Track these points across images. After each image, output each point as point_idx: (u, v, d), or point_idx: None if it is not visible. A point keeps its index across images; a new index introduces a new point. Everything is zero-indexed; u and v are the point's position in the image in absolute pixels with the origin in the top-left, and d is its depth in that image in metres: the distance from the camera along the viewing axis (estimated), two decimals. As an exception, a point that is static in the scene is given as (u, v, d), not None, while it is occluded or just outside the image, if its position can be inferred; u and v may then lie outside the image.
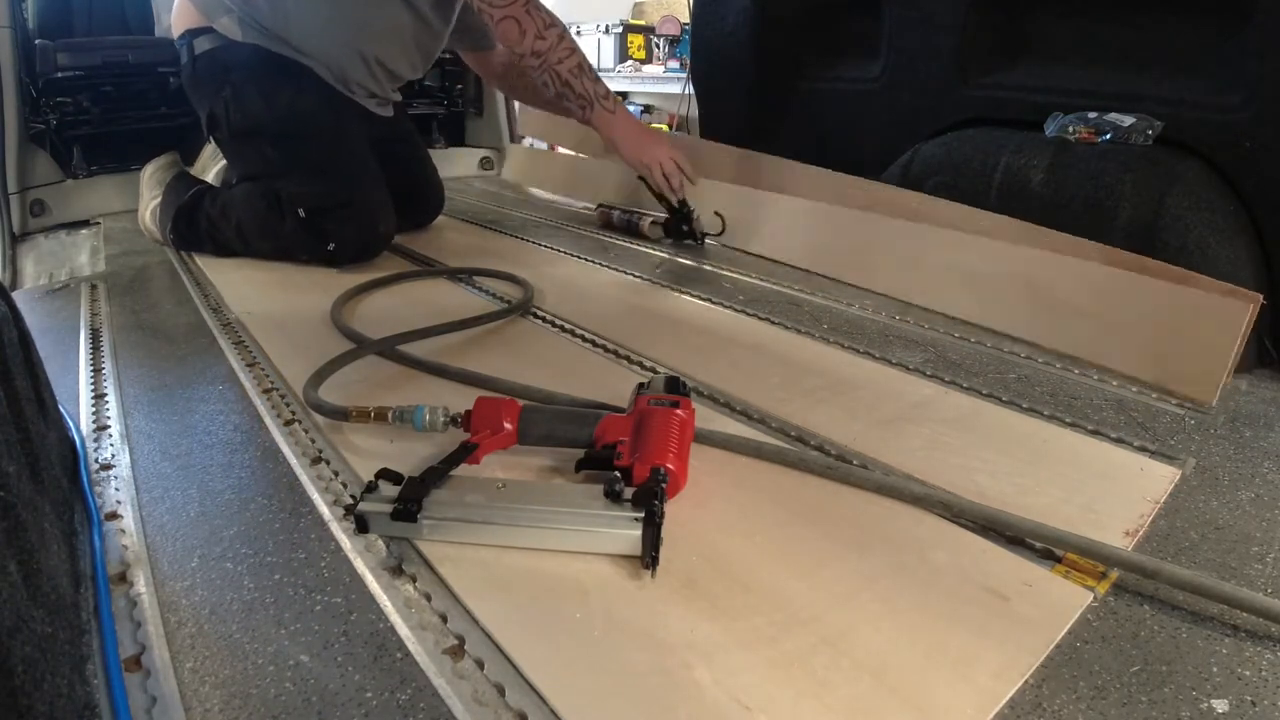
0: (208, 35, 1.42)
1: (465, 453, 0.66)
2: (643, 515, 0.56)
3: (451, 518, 0.59)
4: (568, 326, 1.10)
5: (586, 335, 1.07)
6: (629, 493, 0.59)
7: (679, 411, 0.69)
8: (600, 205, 1.85)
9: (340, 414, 0.75)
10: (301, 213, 1.36)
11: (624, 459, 0.64)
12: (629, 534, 0.56)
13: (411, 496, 0.59)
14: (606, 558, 0.58)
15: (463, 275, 1.36)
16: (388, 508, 0.59)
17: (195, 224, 1.48)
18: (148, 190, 1.59)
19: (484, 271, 1.35)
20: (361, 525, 0.60)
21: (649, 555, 0.56)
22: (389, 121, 1.65)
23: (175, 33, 1.47)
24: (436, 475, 0.61)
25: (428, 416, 0.72)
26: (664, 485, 0.60)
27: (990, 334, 1.10)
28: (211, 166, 1.74)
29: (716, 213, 1.59)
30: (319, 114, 1.43)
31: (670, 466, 0.63)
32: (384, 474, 0.62)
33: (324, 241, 1.38)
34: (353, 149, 1.46)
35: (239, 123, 1.41)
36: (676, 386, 0.73)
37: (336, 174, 1.40)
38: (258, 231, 1.43)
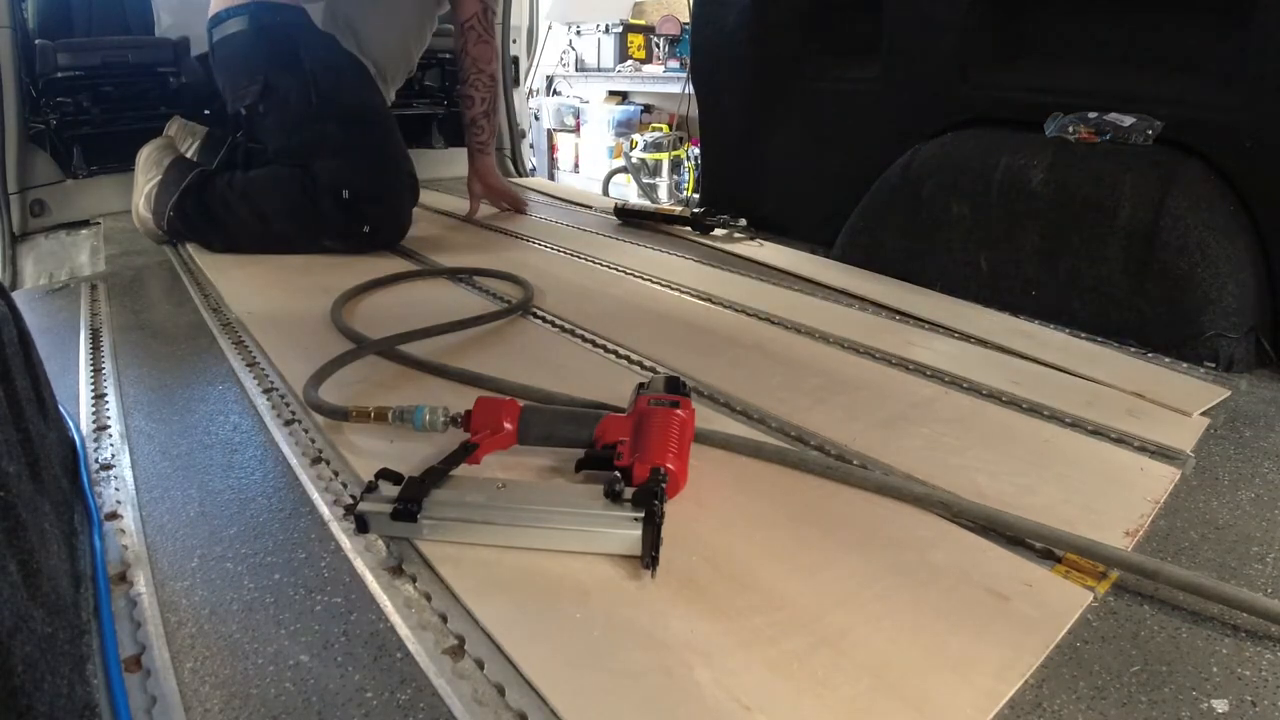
0: (271, 9, 1.49)
1: (465, 453, 0.66)
2: (643, 515, 0.56)
3: (451, 518, 0.59)
4: (567, 326, 1.10)
5: (586, 335, 1.07)
6: (629, 493, 0.59)
7: (679, 411, 0.69)
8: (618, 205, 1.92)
9: (340, 414, 0.75)
10: (346, 194, 1.44)
11: (624, 459, 0.64)
12: (629, 534, 0.56)
13: (411, 497, 0.59)
14: (606, 558, 0.58)
15: (463, 275, 1.36)
16: (388, 508, 0.59)
17: (204, 203, 1.48)
18: (143, 173, 1.57)
19: (484, 271, 1.35)
20: (361, 525, 0.60)
21: (649, 555, 0.56)
22: None
23: (222, 3, 1.52)
24: (436, 475, 0.61)
25: (427, 416, 0.72)
26: (664, 485, 0.60)
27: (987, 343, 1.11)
28: (181, 145, 1.72)
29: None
30: (380, 106, 1.60)
31: (670, 466, 0.63)
32: (384, 474, 0.62)
33: (361, 223, 1.47)
34: (399, 142, 1.60)
35: (317, 96, 1.47)
36: (677, 386, 0.73)
37: (388, 162, 1.53)
38: (286, 213, 1.46)
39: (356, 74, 1.57)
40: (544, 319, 1.14)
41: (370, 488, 0.61)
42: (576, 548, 0.58)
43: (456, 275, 1.37)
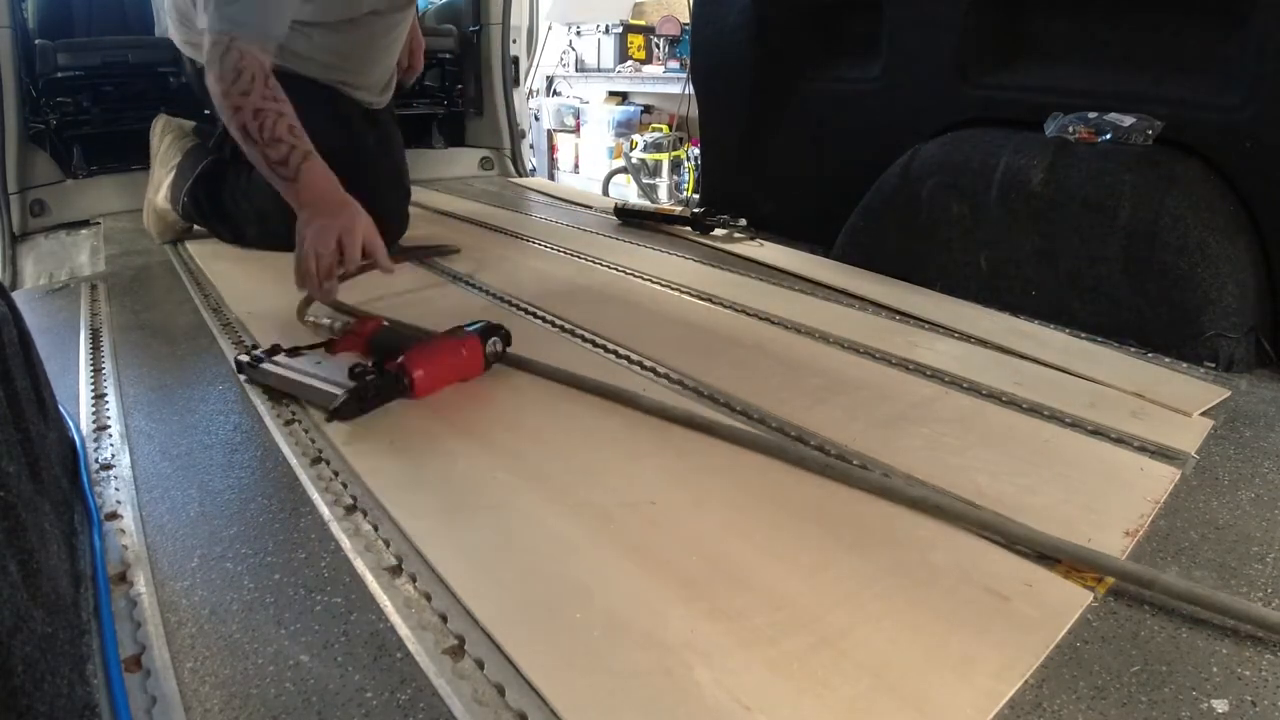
0: None
1: (325, 345, 0.94)
2: (353, 385, 0.79)
3: (276, 372, 0.86)
4: (568, 326, 1.10)
5: (586, 335, 1.07)
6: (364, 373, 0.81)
7: (458, 340, 0.89)
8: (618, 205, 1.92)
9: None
10: None
11: (398, 364, 0.83)
12: (334, 392, 0.79)
13: (267, 356, 0.88)
14: (607, 557, 0.58)
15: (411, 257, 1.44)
16: (247, 359, 0.88)
17: (215, 195, 1.50)
18: (164, 159, 1.57)
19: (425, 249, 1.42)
20: (239, 368, 0.89)
21: (338, 407, 0.77)
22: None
23: (176, 41, 1.51)
24: (292, 351, 0.90)
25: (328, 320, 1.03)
26: (393, 374, 0.82)
27: (988, 344, 1.11)
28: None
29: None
30: (330, 129, 1.45)
31: (413, 370, 0.82)
32: (273, 349, 0.89)
33: None
34: (366, 155, 1.49)
35: None
36: (487, 331, 0.91)
37: (355, 182, 1.41)
38: (283, 221, 1.46)
39: (300, 98, 1.37)
40: (544, 319, 1.14)
41: (253, 349, 0.90)
42: (313, 399, 0.81)
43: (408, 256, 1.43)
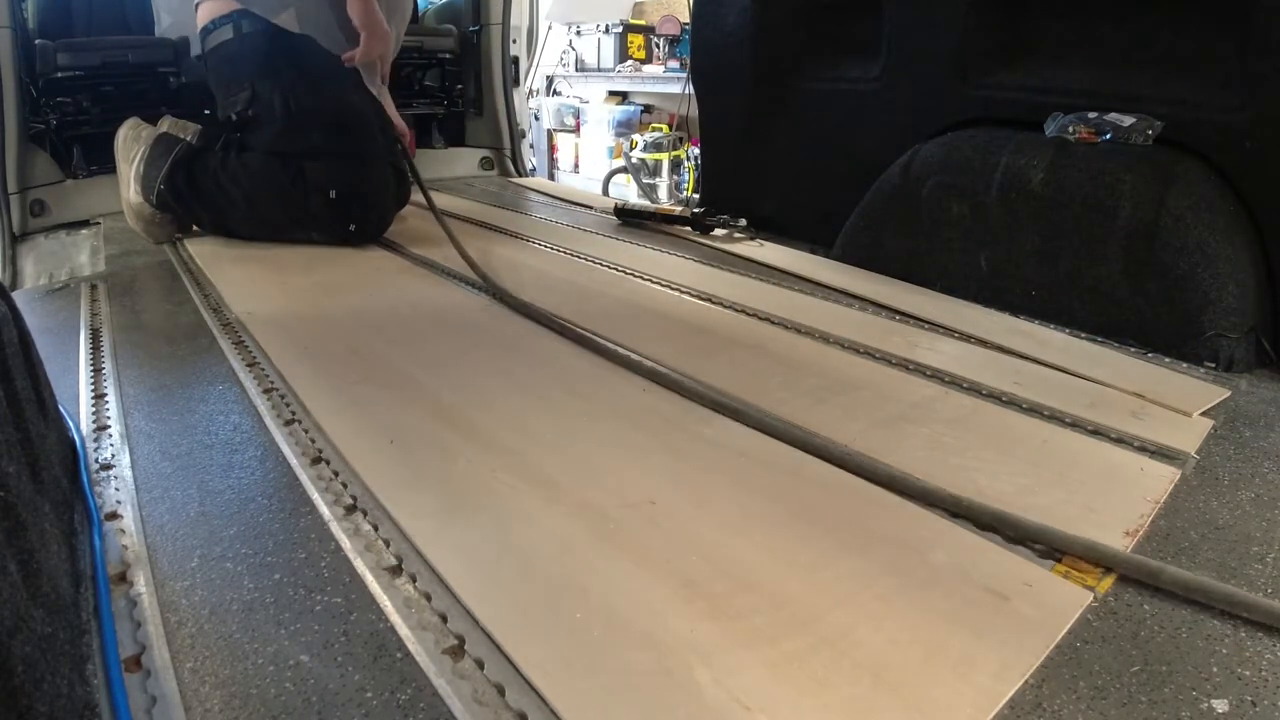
0: (250, 19, 1.52)
1: None
2: None
3: None
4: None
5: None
6: None
7: None
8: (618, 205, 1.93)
9: None
10: (333, 194, 1.49)
11: None
12: None
13: None
14: (607, 557, 0.58)
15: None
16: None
17: (195, 179, 1.51)
18: (125, 155, 1.57)
19: None
20: None
21: None
22: None
23: (208, 15, 1.54)
24: None
25: None
26: None
27: (989, 344, 1.11)
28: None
29: None
30: (362, 111, 1.59)
31: None
32: None
33: (347, 222, 1.52)
34: (379, 142, 1.60)
35: (296, 107, 1.50)
36: None
37: (369, 165, 1.55)
38: (277, 202, 1.50)
39: (334, 74, 1.56)
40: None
41: None
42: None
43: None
